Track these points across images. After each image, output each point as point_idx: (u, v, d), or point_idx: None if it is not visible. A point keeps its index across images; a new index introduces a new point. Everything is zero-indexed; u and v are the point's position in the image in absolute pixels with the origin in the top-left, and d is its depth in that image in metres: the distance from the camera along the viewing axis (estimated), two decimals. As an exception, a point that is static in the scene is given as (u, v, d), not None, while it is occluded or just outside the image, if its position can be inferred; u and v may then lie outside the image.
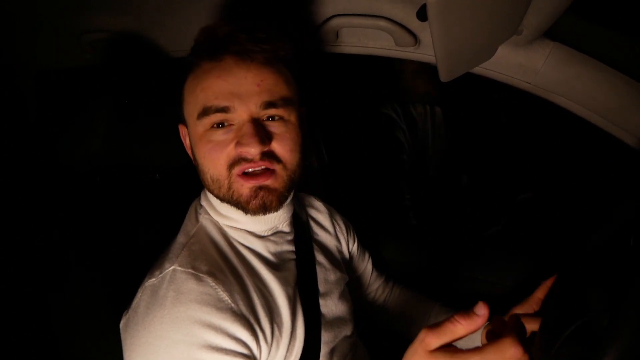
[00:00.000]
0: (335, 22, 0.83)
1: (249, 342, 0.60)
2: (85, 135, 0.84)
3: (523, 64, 0.80)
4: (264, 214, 0.66)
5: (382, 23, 0.80)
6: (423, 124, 1.78)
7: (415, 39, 0.83)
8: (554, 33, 0.76)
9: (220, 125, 0.64)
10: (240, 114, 0.63)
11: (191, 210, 0.75)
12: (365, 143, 1.67)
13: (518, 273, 1.13)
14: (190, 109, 0.66)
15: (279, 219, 0.74)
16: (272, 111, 0.64)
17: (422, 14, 0.77)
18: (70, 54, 0.98)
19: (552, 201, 1.85)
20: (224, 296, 0.60)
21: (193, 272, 0.61)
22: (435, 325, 0.44)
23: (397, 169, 1.64)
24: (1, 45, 0.96)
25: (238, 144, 0.63)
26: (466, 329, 0.43)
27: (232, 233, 0.71)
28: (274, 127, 0.65)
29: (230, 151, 0.63)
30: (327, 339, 0.73)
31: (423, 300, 0.97)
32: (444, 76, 0.73)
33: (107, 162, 0.88)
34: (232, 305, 0.60)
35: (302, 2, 0.81)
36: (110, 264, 0.84)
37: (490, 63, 0.82)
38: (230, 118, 0.63)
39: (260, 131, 0.63)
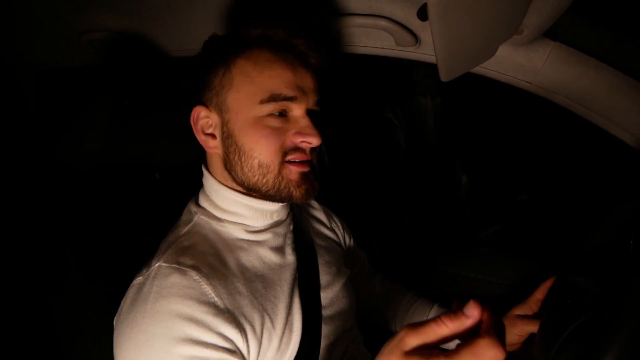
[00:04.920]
0: (335, 21, 0.83)
1: (232, 337, 0.60)
2: (85, 135, 0.84)
3: (523, 63, 0.80)
4: (310, 198, 0.70)
5: (383, 23, 0.80)
6: (424, 115, 1.80)
7: (416, 38, 0.83)
8: (554, 33, 0.76)
9: (279, 113, 0.67)
10: (301, 106, 0.67)
11: (185, 211, 0.75)
12: (364, 145, 1.68)
13: (518, 273, 1.13)
14: (244, 93, 0.66)
15: (280, 214, 0.75)
16: (316, 109, 0.70)
17: (422, 14, 0.77)
18: (70, 53, 0.97)
19: (552, 201, 1.85)
20: (208, 290, 0.60)
21: (177, 266, 0.61)
22: (417, 325, 0.42)
23: (393, 171, 1.66)
24: (1, 45, 0.96)
25: (299, 134, 0.67)
26: (451, 330, 0.41)
27: (229, 230, 0.70)
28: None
29: (287, 139, 0.67)
30: (327, 332, 0.73)
31: (420, 301, 0.97)
32: (445, 76, 0.73)
33: (107, 162, 0.88)
34: (216, 299, 0.60)
35: (302, 2, 0.81)
36: (110, 263, 0.84)
37: (491, 63, 0.82)
38: (291, 108, 0.67)
39: (316, 125, 0.68)
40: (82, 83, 1.06)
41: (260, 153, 0.66)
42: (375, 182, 1.64)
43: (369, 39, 0.88)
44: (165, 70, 1.04)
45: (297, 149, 0.68)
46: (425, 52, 0.87)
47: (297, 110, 0.68)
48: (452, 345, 0.41)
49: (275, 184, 0.67)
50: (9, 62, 1.00)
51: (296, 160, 0.68)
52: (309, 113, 0.68)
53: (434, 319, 0.41)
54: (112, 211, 0.91)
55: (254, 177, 0.67)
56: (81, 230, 0.86)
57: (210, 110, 0.69)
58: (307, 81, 0.69)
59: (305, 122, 0.67)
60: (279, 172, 0.67)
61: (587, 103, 0.81)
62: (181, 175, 0.98)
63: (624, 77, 0.76)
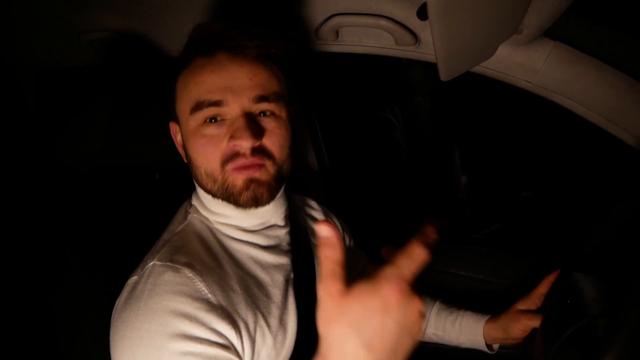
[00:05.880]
0: (335, 21, 0.83)
1: (225, 332, 0.60)
2: (85, 135, 0.84)
3: (523, 63, 0.80)
4: (256, 206, 0.67)
5: (383, 22, 0.80)
6: (424, 114, 1.80)
7: (416, 38, 0.83)
8: (554, 32, 0.76)
9: (213, 119, 0.64)
10: (234, 107, 0.64)
11: (180, 210, 0.75)
12: (363, 145, 1.68)
13: (518, 273, 1.13)
14: (183, 105, 0.67)
15: (270, 214, 0.73)
16: (264, 106, 0.65)
17: (422, 13, 0.77)
18: (70, 53, 0.97)
19: (553, 200, 1.85)
20: (201, 287, 0.60)
21: (171, 264, 0.61)
22: (321, 278, 0.41)
23: (394, 170, 1.65)
24: (1, 45, 0.96)
25: (231, 137, 0.63)
26: (336, 250, 0.41)
27: (221, 229, 0.71)
28: (266, 123, 0.66)
29: (224, 146, 0.64)
30: None
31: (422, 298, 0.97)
32: (444, 75, 0.73)
33: (107, 162, 0.88)
34: (209, 295, 0.60)
35: (302, 2, 0.81)
36: (110, 263, 0.84)
37: (491, 62, 0.82)
38: (223, 112, 0.64)
39: (253, 125, 0.63)
40: (82, 83, 1.07)
41: (203, 162, 0.65)
42: (375, 182, 1.64)
43: (369, 38, 0.88)
44: (165, 70, 1.04)
45: (237, 154, 0.64)
46: (425, 52, 0.87)
47: (232, 113, 0.64)
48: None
49: (221, 190, 0.66)
50: (9, 62, 1.00)
51: (238, 167, 0.64)
52: (248, 113, 0.64)
53: (320, 265, 0.41)
54: (112, 211, 0.91)
55: (206, 185, 0.67)
56: (81, 230, 0.86)
57: (177, 124, 0.71)
58: (240, 78, 0.64)
59: (238, 123, 0.63)
60: (224, 180, 0.65)
61: (587, 103, 0.81)
62: (181, 175, 0.98)
63: (624, 77, 0.76)
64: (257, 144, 0.64)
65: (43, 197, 0.91)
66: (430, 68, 1.66)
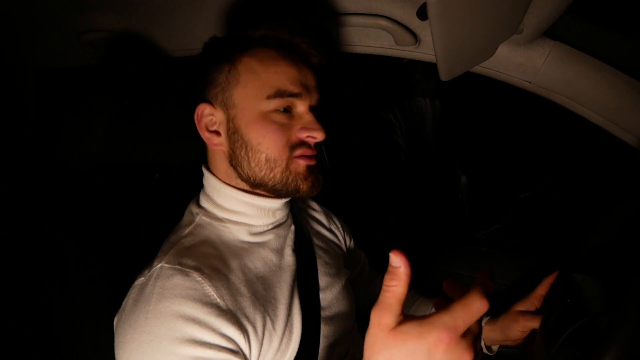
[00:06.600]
0: (335, 21, 0.83)
1: (235, 337, 0.60)
2: (85, 135, 0.84)
3: (523, 63, 0.80)
4: (316, 191, 0.71)
5: (382, 22, 0.81)
6: (423, 115, 1.80)
7: (416, 38, 0.83)
8: (554, 32, 0.76)
9: (284, 109, 0.68)
10: (304, 103, 0.70)
11: (187, 212, 0.75)
12: (364, 146, 1.68)
13: (518, 272, 1.13)
14: (252, 89, 0.68)
15: (282, 212, 0.75)
16: (317, 106, 0.72)
17: (422, 13, 0.77)
18: (69, 53, 0.98)
19: (553, 200, 1.86)
20: (210, 291, 0.60)
21: (179, 267, 0.61)
22: (378, 304, 0.42)
23: (394, 170, 1.66)
24: (1, 45, 0.96)
25: (304, 129, 0.69)
26: (400, 285, 0.41)
27: (231, 230, 0.71)
28: None
29: (293, 134, 0.69)
30: (326, 333, 0.73)
31: (422, 299, 0.98)
32: (444, 75, 0.73)
33: (107, 162, 0.88)
34: (218, 300, 0.60)
35: (302, 2, 0.81)
36: (110, 263, 0.84)
37: (491, 62, 0.82)
38: (296, 104, 0.69)
39: (320, 120, 0.70)
40: (82, 83, 1.07)
41: (268, 147, 0.67)
42: (375, 182, 1.64)
43: (369, 38, 0.88)
44: (165, 70, 1.04)
45: (302, 143, 0.69)
46: (425, 52, 0.87)
47: (301, 107, 0.70)
48: None
49: (283, 177, 0.68)
50: (9, 62, 1.00)
51: (304, 155, 0.69)
52: (312, 109, 0.70)
53: (382, 290, 0.42)
54: (112, 211, 0.91)
55: (261, 171, 0.68)
56: (81, 230, 0.86)
57: (215, 108, 0.70)
58: (309, 79, 0.71)
59: (309, 117, 0.69)
60: (287, 167, 0.68)
61: (587, 103, 0.81)
62: (181, 175, 0.98)
63: (624, 76, 0.76)
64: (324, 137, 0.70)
65: (43, 197, 0.91)
66: (430, 68, 1.67)
